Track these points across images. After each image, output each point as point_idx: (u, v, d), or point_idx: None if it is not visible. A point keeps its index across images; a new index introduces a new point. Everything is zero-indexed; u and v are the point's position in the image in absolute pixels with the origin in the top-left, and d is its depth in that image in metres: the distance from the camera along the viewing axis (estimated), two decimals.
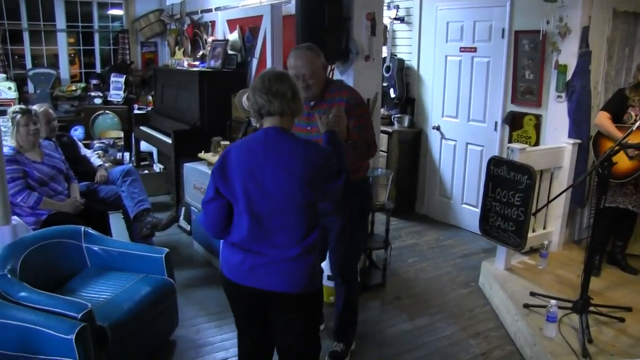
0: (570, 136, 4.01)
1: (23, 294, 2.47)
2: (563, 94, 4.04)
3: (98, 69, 7.97)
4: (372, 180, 3.69)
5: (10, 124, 3.59)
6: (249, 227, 2.01)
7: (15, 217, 3.12)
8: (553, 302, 2.98)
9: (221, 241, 2.21)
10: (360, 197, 2.84)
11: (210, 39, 6.38)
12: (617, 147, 2.94)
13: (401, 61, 5.45)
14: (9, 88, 6.67)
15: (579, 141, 3.97)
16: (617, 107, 3.70)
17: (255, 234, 2.02)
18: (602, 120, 3.69)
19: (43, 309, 2.37)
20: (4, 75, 6.84)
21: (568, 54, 3.98)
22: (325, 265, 3.52)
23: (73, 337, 2.19)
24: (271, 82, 2.00)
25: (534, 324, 3.07)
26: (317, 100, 2.71)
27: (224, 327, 3.31)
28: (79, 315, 2.33)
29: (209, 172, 4.17)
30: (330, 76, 4.43)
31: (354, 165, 2.64)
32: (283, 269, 2.02)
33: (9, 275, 2.58)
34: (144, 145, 6.56)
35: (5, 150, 3.24)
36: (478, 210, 3.90)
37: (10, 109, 3.70)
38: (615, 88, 4.05)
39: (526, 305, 3.25)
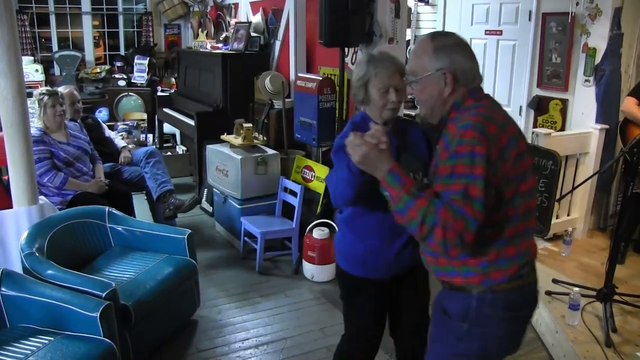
0: (597, 121, 3.91)
1: (50, 271, 2.54)
2: (591, 78, 3.94)
3: (122, 51, 8.03)
4: None
5: (37, 105, 3.65)
6: None
7: (42, 197, 3.18)
8: (576, 289, 2.94)
9: None
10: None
11: (233, 21, 6.37)
12: None
13: None
14: (36, 70, 6.78)
15: (606, 126, 3.87)
16: None
17: None
18: (629, 106, 3.59)
19: (69, 287, 2.43)
20: (31, 58, 6.94)
21: (598, 37, 3.87)
22: None
23: (98, 314, 2.24)
24: None
25: (556, 312, 3.04)
26: None
27: (245, 308, 3.35)
28: (104, 294, 2.39)
29: (231, 153, 4.19)
30: (353, 60, 4.36)
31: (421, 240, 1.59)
32: None
33: (37, 254, 2.64)
34: (167, 127, 6.61)
35: (32, 131, 3.29)
36: None
37: (37, 91, 3.75)
38: None
39: (548, 293, 3.22)
